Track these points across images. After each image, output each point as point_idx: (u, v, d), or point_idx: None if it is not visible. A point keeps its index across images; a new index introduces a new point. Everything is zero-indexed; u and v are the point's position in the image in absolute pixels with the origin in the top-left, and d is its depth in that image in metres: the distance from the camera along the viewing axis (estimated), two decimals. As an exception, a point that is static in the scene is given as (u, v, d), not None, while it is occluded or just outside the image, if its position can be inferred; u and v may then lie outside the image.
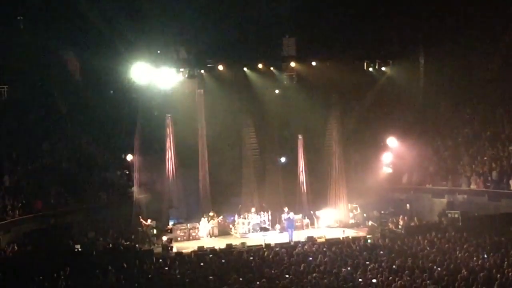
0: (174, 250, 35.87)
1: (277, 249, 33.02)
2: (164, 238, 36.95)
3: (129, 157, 41.52)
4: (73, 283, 27.24)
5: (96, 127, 45.47)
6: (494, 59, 44.88)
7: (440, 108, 46.72)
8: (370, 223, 39.79)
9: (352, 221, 41.64)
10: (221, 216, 40.33)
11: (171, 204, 40.69)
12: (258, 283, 24.96)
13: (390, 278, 24.03)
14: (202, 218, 39.65)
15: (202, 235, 39.37)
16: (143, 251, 34.53)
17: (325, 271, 26.02)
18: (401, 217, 39.52)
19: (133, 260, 30.46)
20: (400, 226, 37.67)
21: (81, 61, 45.50)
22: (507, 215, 35.74)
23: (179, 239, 38.48)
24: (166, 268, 29.21)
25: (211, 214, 39.84)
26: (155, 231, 38.42)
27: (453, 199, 40.33)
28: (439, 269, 25.41)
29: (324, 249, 31.59)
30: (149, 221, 38.09)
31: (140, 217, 38.10)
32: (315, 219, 41.59)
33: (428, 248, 30.16)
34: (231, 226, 40.50)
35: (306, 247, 33.39)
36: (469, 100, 45.73)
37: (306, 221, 41.18)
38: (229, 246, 35.61)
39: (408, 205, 42.30)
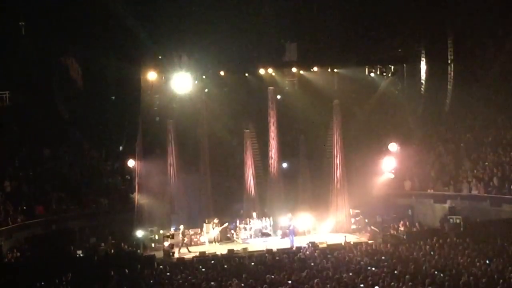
0: (176, 255, 35.89)
1: (279, 254, 32.99)
2: (166, 243, 36.95)
3: (131, 163, 41.50)
4: (75, 288, 27.29)
5: (98, 132, 45.54)
6: (495, 64, 44.91)
7: (441, 113, 46.70)
8: (372, 228, 39.75)
9: (353, 226, 41.56)
10: (226, 223, 40.24)
11: (172, 209, 40.68)
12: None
13: (392, 283, 23.98)
14: (204, 224, 39.59)
15: (204, 240, 39.33)
16: (145, 257, 34.52)
17: (327, 276, 25.97)
18: (402, 222, 39.50)
19: (135, 265, 30.42)
20: (401, 232, 37.62)
21: (82, 66, 45.58)
22: (509, 220, 35.70)
23: (180, 245, 38.45)
24: (168, 274, 29.20)
25: (216, 221, 39.75)
26: (156, 236, 38.52)
27: (455, 205, 40.23)
28: (441, 274, 25.36)
29: (328, 255, 31.51)
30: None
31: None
32: (317, 225, 41.54)
33: (430, 254, 30.12)
34: (232, 231, 40.43)
35: (307, 252, 33.40)
36: (471, 106, 45.67)
37: (308, 226, 41.12)
38: (230, 251, 35.61)
39: (409, 210, 42.29)
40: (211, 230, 39.34)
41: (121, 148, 45.21)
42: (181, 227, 38.56)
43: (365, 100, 45.08)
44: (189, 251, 37.18)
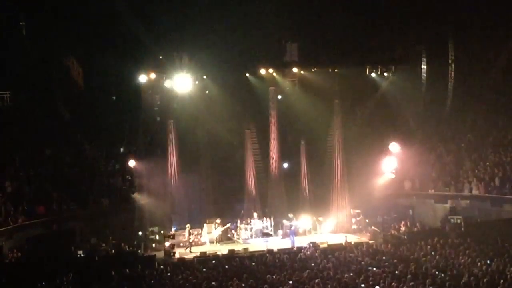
0: (177, 255, 35.90)
1: (280, 255, 32.98)
2: (167, 243, 36.95)
3: (132, 163, 41.52)
4: (76, 289, 27.28)
5: (99, 132, 45.53)
6: (496, 64, 44.91)
7: (442, 113, 46.70)
8: (372, 228, 39.75)
9: (354, 226, 41.61)
10: (229, 224, 40.20)
11: (173, 209, 40.69)
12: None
13: (393, 283, 23.97)
14: (205, 224, 39.58)
15: (205, 240, 39.31)
16: (146, 257, 34.52)
17: (327, 277, 25.96)
18: (403, 222, 39.51)
19: (136, 265, 30.42)
20: (402, 232, 37.62)
21: (83, 66, 45.59)
22: (509, 220, 35.69)
23: (181, 244, 38.48)
24: (169, 274, 29.19)
25: (218, 221, 39.73)
26: (157, 237, 38.54)
27: (456, 205, 40.21)
28: (442, 274, 25.35)
29: (329, 256, 31.49)
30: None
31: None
32: (318, 225, 41.56)
33: (431, 254, 30.10)
34: (233, 231, 40.40)
35: (308, 252, 33.40)
36: (472, 106, 45.68)
37: (309, 226, 41.14)
38: (231, 251, 35.60)
39: (410, 210, 42.30)
40: (213, 230, 39.32)
41: (121, 150, 45.22)
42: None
43: (366, 100, 45.10)
44: (191, 251, 37.18)
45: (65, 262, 32.01)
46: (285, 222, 40.16)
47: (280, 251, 34.89)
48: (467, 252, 29.50)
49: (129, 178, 42.93)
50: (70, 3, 43.13)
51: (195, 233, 39.27)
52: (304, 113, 43.77)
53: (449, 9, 44.37)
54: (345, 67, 43.12)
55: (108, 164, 44.59)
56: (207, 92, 42.48)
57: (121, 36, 42.30)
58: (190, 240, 38.31)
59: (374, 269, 27.16)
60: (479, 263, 26.90)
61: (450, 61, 45.70)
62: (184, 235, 38.85)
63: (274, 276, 26.74)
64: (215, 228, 39.34)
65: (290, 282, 25.62)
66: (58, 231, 37.66)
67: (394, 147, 43.54)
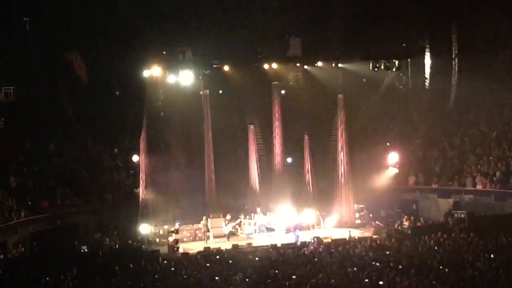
0: (180, 250, 35.94)
1: (283, 249, 33.00)
2: (170, 238, 36.99)
3: (135, 158, 41.55)
4: (80, 284, 27.31)
5: (102, 127, 45.53)
6: (500, 58, 44.79)
7: (446, 108, 46.65)
8: (376, 223, 39.76)
9: (358, 221, 41.51)
10: (239, 219, 40.12)
11: (177, 204, 40.70)
12: (264, 284, 24.94)
13: (397, 278, 24.01)
14: (209, 219, 39.48)
15: (209, 235, 39.25)
16: (150, 252, 34.56)
17: (331, 271, 26.00)
18: (406, 217, 39.49)
19: (140, 261, 30.47)
20: (406, 227, 37.63)
21: (87, 62, 45.57)
22: (513, 215, 35.76)
23: (185, 239, 38.51)
24: (172, 269, 29.24)
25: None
26: (161, 232, 38.58)
27: (459, 199, 40.26)
28: (445, 269, 25.38)
29: (333, 250, 31.51)
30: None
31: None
32: (321, 220, 41.53)
33: (435, 248, 30.12)
34: (237, 226, 40.38)
35: (312, 247, 33.41)
36: (475, 100, 45.63)
37: (312, 221, 41.12)
38: (235, 246, 35.61)
39: (414, 205, 42.30)
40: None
41: (125, 145, 45.23)
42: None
43: (370, 95, 45.11)
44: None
45: (69, 257, 32.11)
46: (288, 216, 40.00)
47: (284, 246, 34.92)
48: (471, 246, 29.53)
49: (133, 173, 42.96)
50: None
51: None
52: (307, 108, 43.78)
53: (452, 3, 44.33)
54: (348, 61, 43.04)
55: (112, 159, 44.62)
56: (210, 86, 42.29)
57: (124, 30, 42.26)
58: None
59: (378, 264, 27.22)
60: (482, 258, 26.93)
61: (453, 55, 45.62)
62: (187, 230, 38.93)
63: (277, 271, 26.79)
64: (226, 225, 39.30)
65: (294, 277, 25.66)
66: (62, 226, 37.83)
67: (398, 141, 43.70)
